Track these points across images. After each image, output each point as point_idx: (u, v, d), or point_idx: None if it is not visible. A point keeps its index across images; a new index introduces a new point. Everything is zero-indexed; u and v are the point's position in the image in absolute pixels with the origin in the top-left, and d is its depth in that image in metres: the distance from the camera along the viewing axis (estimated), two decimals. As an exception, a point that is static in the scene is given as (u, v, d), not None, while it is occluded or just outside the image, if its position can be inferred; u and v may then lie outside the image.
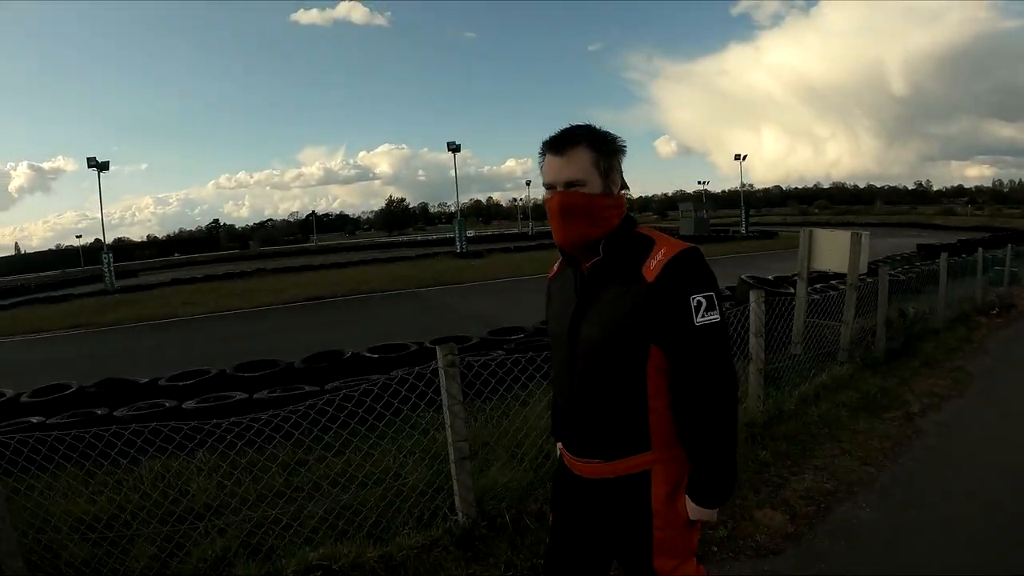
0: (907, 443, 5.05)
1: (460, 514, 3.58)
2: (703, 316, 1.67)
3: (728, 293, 9.76)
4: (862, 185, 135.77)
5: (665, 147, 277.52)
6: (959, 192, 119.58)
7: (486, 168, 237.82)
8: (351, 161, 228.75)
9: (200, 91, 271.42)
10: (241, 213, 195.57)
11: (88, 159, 31.42)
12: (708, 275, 1.71)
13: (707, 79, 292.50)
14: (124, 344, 13.90)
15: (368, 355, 7.34)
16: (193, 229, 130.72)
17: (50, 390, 6.80)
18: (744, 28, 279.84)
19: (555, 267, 2.06)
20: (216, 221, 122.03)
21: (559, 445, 2.09)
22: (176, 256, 66.92)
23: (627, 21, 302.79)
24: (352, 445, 4.13)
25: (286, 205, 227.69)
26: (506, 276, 21.88)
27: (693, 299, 1.67)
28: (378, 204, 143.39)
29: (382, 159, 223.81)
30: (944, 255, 10.41)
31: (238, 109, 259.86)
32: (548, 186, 1.78)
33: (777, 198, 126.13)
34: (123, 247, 77.00)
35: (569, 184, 1.73)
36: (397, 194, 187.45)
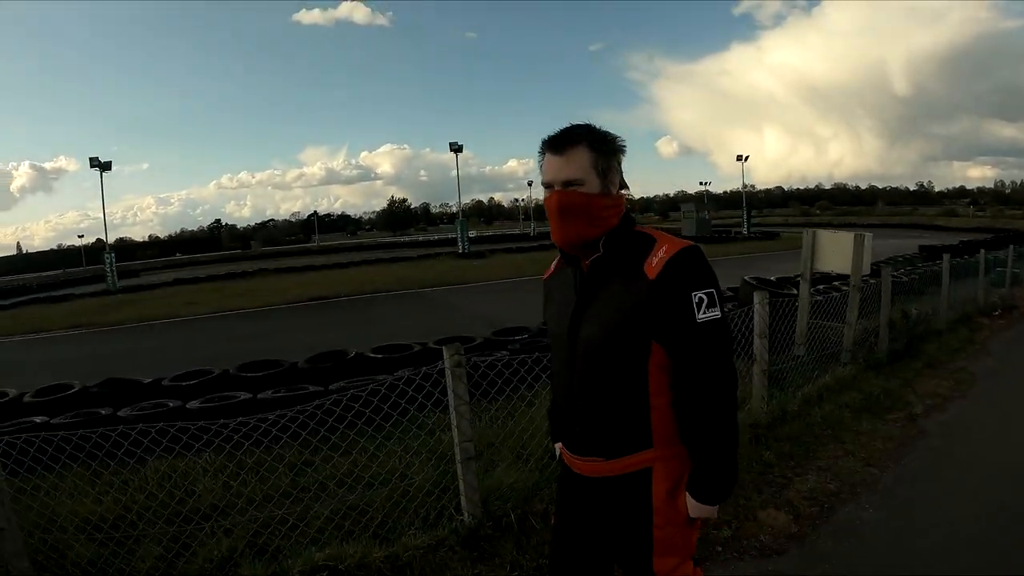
0: (910, 444, 5.06)
1: (466, 514, 3.59)
2: (705, 313, 1.69)
3: (731, 294, 9.78)
4: (864, 186, 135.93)
5: (667, 147, 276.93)
6: (961, 193, 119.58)
7: (488, 168, 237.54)
8: (353, 161, 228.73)
9: (201, 91, 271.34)
10: (243, 213, 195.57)
11: (91, 159, 31.44)
12: (709, 272, 1.73)
13: (709, 79, 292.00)
14: (126, 344, 13.90)
15: (372, 355, 7.35)
16: (195, 229, 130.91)
17: (53, 390, 6.80)
18: (746, 28, 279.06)
19: (552, 267, 2.08)
20: (218, 221, 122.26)
21: (558, 446, 2.10)
22: (178, 256, 66.98)
23: (629, 21, 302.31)
24: (359, 445, 4.15)
25: (288, 205, 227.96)
26: (508, 276, 21.84)
27: (695, 296, 1.68)
28: (380, 204, 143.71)
29: (384, 159, 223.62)
30: (947, 256, 10.41)
31: (240, 109, 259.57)
32: (546, 185, 1.79)
33: (779, 199, 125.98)
34: (125, 247, 77.12)
35: (567, 183, 1.74)
36: (399, 194, 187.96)
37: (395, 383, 3.90)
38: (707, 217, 48.10)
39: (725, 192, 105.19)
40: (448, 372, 3.51)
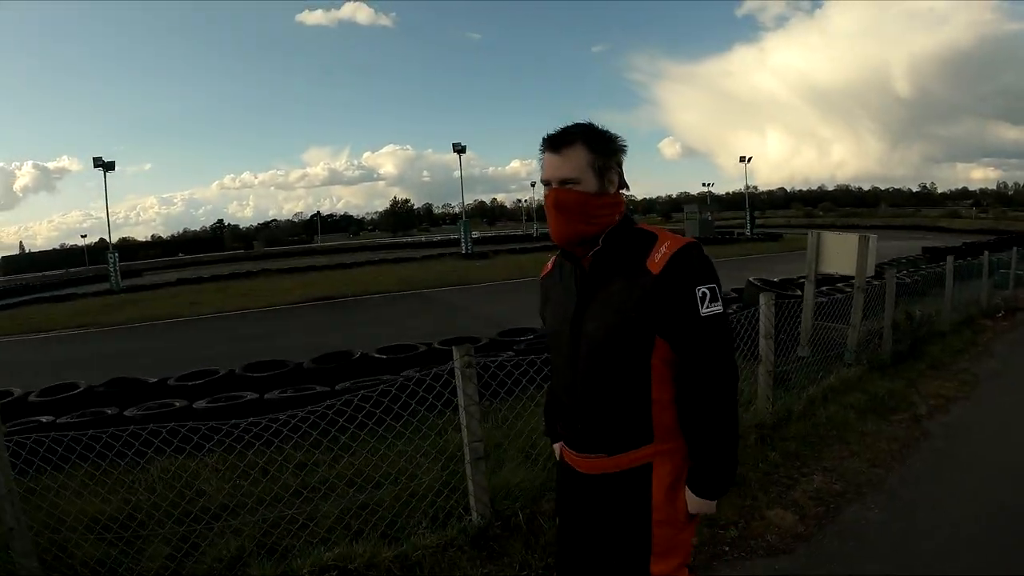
0: (915, 445, 5.07)
1: (474, 514, 3.60)
2: (708, 307, 1.71)
3: (735, 295, 9.79)
4: (866, 187, 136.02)
5: (669, 148, 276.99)
6: (964, 194, 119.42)
7: (490, 169, 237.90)
8: (355, 162, 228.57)
9: (204, 91, 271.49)
10: (245, 213, 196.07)
11: (94, 159, 31.50)
12: (710, 268, 1.75)
13: (711, 80, 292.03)
14: (130, 344, 13.94)
15: (377, 356, 7.35)
16: (197, 229, 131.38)
17: (58, 389, 6.82)
18: (749, 29, 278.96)
19: (548, 265, 2.09)
20: (220, 221, 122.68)
21: (556, 445, 2.13)
22: (181, 256, 67.07)
23: (631, 22, 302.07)
24: (369, 446, 4.16)
25: (290, 206, 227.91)
26: (512, 277, 21.94)
27: (698, 290, 1.71)
28: (382, 205, 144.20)
29: (386, 160, 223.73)
30: (950, 258, 10.40)
31: (242, 109, 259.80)
32: (545, 182, 1.81)
33: (781, 200, 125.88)
34: (127, 247, 77.26)
35: (563, 182, 1.76)
36: (401, 195, 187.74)
37: (406, 383, 3.91)
38: (710, 218, 47.99)
39: (728, 193, 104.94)
40: (458, 372, 3.52)
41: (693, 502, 1.81)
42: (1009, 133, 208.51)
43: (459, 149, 40.26)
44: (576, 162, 1.74)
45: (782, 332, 6.33)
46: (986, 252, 12.59)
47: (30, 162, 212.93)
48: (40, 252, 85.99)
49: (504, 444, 4.50)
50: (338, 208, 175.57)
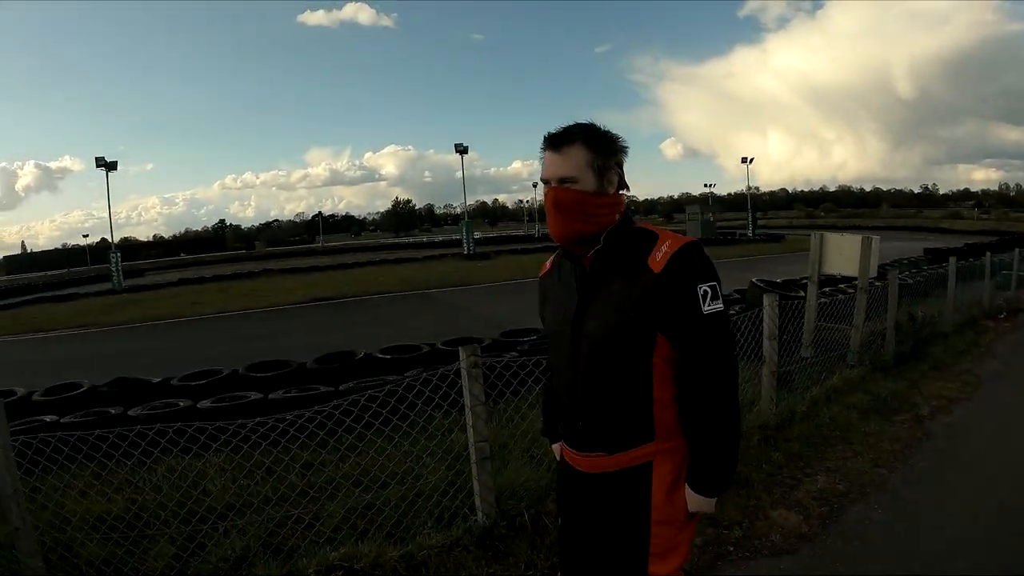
0: (917, 445, 5.09)
1: (480, 514, 3.61)
2: (709, 304, 1.73)
3: (737, 296, 9.79)
4: (868, 188, 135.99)
5: (671, 149, 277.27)
6: (965, 196, 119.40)
7: (492, 170, 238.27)
8: (357, 162, 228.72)
9: (206, 92, 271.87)
10: (247, 213, 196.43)
11: (97, 159, 31.55)
12: (711, 266, 1.77)
13: (713, 81, 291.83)
14: (132, 344, 13.95)
15: (380, 356, 7.36)
16: (199, 229, 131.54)
17: (62, 389, 6.84)
18: (750, 30, 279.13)
19: (547, 264, 2.10)
20: (222, 221, 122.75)
21: (556, 446, 2.14)
22: (183, 256, 67.14)
23: (634, 24, 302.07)
24: (376, 445, 4.16)
25: (292, 206, 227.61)
26: (513, 278, 21.93)
27: (700, 288, 1.72)
28: (384, 205, 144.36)
29: (388, 160, 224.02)
30: (953, 259, 10.41)
31: (244, 110, 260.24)
32: (544, 181, 1.82)
33: (783, 201, 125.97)
34: (129, 247, 77.34)
35: (562, 180, 1.77)
36: (403, 195, 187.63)
37: (412, 383, 3.91)
38: (712, 219, 48.03)
39: (729, 194, 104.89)
40: (464, 373, 3.53)
41: (693, 500, 1.81)
42: (1011, 134, 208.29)
43: (461, 150, 40.21)
44: (575, 161, 1.75)
45: (785, 333, 6.34)
46: (988, 253, 12.56)
47: (32, 162, 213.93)
48: (42, 252, 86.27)
49: (509, 444, 4.51)
50: (340, 208, 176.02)
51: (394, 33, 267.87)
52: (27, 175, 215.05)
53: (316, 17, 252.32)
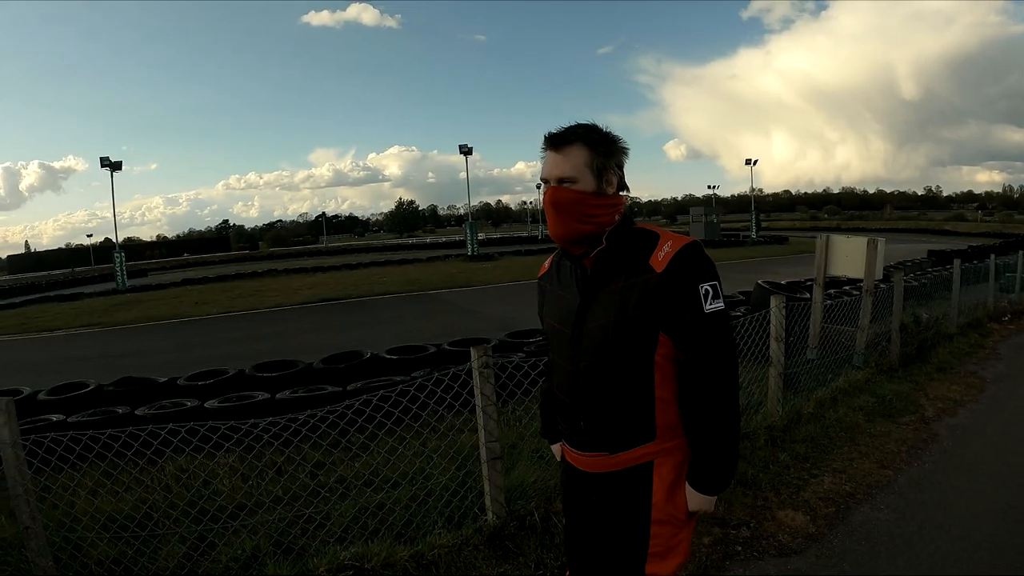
0: (923, 447, 5.10)
1: (490, 513, 3.62)
2: (711, 304, 1.73)
3: (742, 298, 9.80)
4: (872, 190, 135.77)
5: (675, 151, 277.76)
6: (969, 198, 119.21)
7: (496, 171, 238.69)
8: (361, 163, 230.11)
9: (210, 92, 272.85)
10: (251, 214, 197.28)
11: (101, 158, 31.61)
12: (712, 266, 1.78)
13: (717, 83, 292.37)
14: (136, 343, 13.99)
15: (387, 356, 7.39)
16: (203, 229, 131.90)
17: (68, 388, 6.87)
18: (754, 32, 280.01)
19: (546, 265, 2.11)
20: (226, 221, 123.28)
21: (556, 446, 2.15)
22: (186, 256, 67.22)
23: (637, 25, 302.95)
24: (388, 445, 4.17)
25: (295, 206, 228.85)
26: (518, 278, 21.99)
27: (701, 287, 1.73)
28: (387, 206, 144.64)
29: (392, 161, 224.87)
30: (957, 261, 10.41)
31: (248, 110, 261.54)
32: (544, 180, 1.83)
33: (786, 203, 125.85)
34: (133, 247, 77.32)
35: (561, 180, 1.77)
36: (406, 196, 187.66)
37: (424, 383, 3.93)
38: (715, 221, 48.01)
39: (733, 196, 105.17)
40: (476, 373, 3.54)
41: (693, 498, 1.82)
42: (1015, 136, 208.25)
43: (466, 151, 40.24)
44: (575, 161, 1.76)
45: (791, 335, 6.35)
46: (992, 255, 12.58)
47: (36, 162, 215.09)
48: (46, 251, 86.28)
49: (518, 444, 4.53)
50: (343, 209, 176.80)
51: (398, 34, 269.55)
52: (31, 175, 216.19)
53: (320, 17, 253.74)
